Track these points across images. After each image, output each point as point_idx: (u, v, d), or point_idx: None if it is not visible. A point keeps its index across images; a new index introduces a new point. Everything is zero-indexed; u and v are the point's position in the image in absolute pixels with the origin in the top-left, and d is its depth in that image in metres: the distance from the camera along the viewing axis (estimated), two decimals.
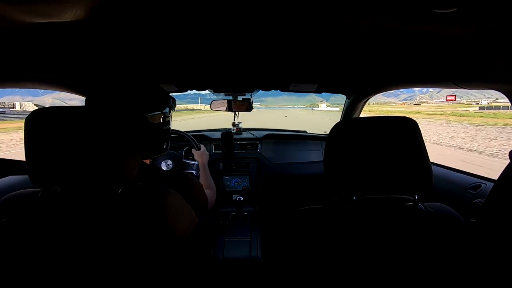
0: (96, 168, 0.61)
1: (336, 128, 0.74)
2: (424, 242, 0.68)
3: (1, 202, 0.66)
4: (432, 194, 1.32)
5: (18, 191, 0.69)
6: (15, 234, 0.59)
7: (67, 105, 0.63)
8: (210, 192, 1.13)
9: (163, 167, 1.73)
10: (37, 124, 0.60)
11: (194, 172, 1.66)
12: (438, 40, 0.77)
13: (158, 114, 0.86)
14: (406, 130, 0.70)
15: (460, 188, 1.28)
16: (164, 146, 0.91)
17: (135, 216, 0.63)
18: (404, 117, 0.72)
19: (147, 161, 0.92)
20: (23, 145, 0.63)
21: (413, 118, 0.72)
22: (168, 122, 0.94)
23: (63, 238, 0.59)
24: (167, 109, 0.91)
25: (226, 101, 2.12)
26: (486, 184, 1.20)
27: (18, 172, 1.01)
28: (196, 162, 1.51)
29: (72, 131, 0.59)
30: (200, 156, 1.47)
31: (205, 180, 1.32)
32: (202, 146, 1.54)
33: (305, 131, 2.49)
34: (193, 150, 1.51)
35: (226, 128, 2.38)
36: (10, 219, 0.61)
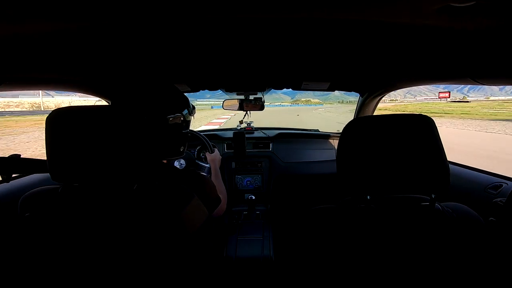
0: (113, 166, 0.63)
1: (349, 126, 0.73)
2: (441, 243, 0.66)
3: (24, 198, 0.69)
4: (450, 194, 1.28)
5: (39, 187, 0.72)
6: (37, 227, 0.63)
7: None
8: (220, 197, 1.10)
9: (176, 165, 1.75)
10: (58, 123, 0.63)
11: (205, 175, 1.67)
12: (455, 35, 0.75)
13: (177, 116, 0.87)
14: (422, 128, 0.68)
15: (479, 188, 1.24)
16: (181, 150, 0.92)
17: (149, 210, 0.65)
18: (420, 115, 0.70)
19: (164, 160, 0.94)
20: None
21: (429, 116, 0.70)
22: (187, 125, 0.95)
23: (81, 231, 0.62)
24: (186, 111, 0.92)
25: (238, 100, 2.14)
26: (507, 184, 1.16)
27: (41, 171, 1.07)
28: (208, 165, 1.51)
29: (91, 130, 0.62)
30: (213, 159, 1.46)
31: (216, 184, 1.32)
32: (216, 150, 1.54)
33: (317, 130, 2.47)
34: (207, 153, 1.52)
35: (238, 128, 2.39)
36: (33, 213, 0.65)
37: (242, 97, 2.13)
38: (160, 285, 0.64)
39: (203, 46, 0.98)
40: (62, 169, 0.63)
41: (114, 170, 0.63)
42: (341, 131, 0.75)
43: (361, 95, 1.88)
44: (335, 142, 2.21)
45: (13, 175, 1.01)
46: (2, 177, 0.97)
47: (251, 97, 2.13)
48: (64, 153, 0.62)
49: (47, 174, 0.65)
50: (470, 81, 0.95)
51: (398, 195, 0.73)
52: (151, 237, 0.63)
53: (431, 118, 0.70)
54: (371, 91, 1.76)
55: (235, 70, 1.39)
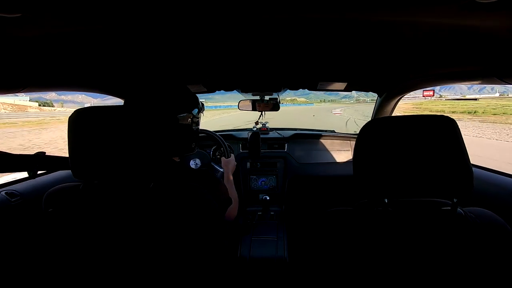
0: (131, 164, 0.65)
1: (366, 127, 0.71)
2: (463, 250, 0.63)
3: (48, 194, 0.73)
4: (473, 199, 1.22)
5: (62, 184, 0.75)
6: (59, 222, 0.66)
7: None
8: (231, 200, 1.09)
9: (192, 165, 1.78)
10: (79, 123, 0.66)
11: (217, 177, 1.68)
12: (480, 32, 0.72)
13: (187, 115, 0.90)
14: (444, 129, 0.66)
15: (505, 193, 1.18)
16: (193, 146, 0.95)
17: (164, 208, 0.67)
18: (442, 116, 0.68)
19: (176, 159, 0.97)
20: None
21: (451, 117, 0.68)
22: (197, 123, 0.98)
23: (100, 227, 0.65)
24: (196, 110, 0.95)
25: (253, 100, 2.14)
26: None
27: (65, 168, 1.12)
28: (222, 170, 1.52)
29: (110, 129, 0.65)
30: (227, 164, 1.46)
31: (228, 188, 1.31)
32: (232, 156, 1.54)
33: (333, 131, 2.43)
34: (222, 158, 1.53)
35: (253, 128, 2.40)
36: (55, 209, 0.68)
37: (257, 97, 2.14)
38: (175, 283, 0.65)
39: (219, 47, 0.99)
40: (82, 166, 0.66)
41: (129, 168, 0.66)
42: (358, 132, 0.74)
43: (379, 96, 1.84)
44: (351, 144, 2.17)
45: (39, 172, 1.06)
46: (28, 174, 1.02)
47: (267, 97, 2.13)
48: (84, 151, 0.65)
49: (70, 171, 0.69)
50: (496, 81, 0.91)
51: (417, 198, 0.71)
52: (167, 235, 0.64)
53: (453, 119, 0.67)
54: (389, 91, 1.71)
55: (251, 70, 1.39)
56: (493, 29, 0.67)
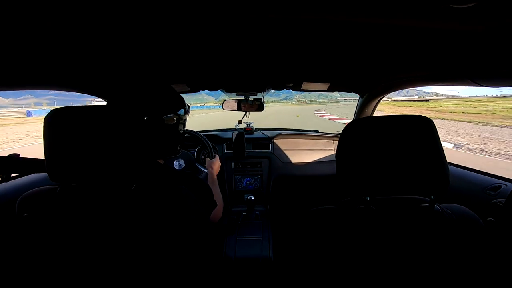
0: (111, 166, 0.63)
1: (349, 127, 0.73)
2: (441, 244, 0.66)
3: (23, 198, 0.69)
4: (449, 195, 1.28)
5: (38, 188, 0.72)
6: (36, 228, 0.62)
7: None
8: (216, 202, 1.05)
9: (175, 166, 1.75)
10: (56, 123, 0.63)
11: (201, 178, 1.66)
12: (455, 36, 0.75)
13: (172, 116, 0.88)
14: (421, 129, 0.68)
15: (479, 189, 1.24)
16: (178, 148, 0.93)
17: (147, 210, 0.65)
18: (420, 116, 0.70)
19: (160, 160, 0.94)
20: None
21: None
22: (183, 125, 0.96)
23: (79, 232, 0.62)
24: (182, 111, 0.93)
25: (237, 100, 2.14)
26: (507, 185, 1.16)
27: (40, 170, 1.06)
28: (206, 171, 1.49)
29: (89, 130, 0.62)
30: (212, 165, 1.44)
31: (212, 190, 1.27)
32: (217, 156, 1.53)
33: (317, 131, 2.47)
34: (207, 158, 1.51)
35: (237, 128, 2.40)
36: (31, 214, 0.65)
37: (242, 97, 2.14)
38: (159, 286, 0.64)
39: (203, 46, 0.98)
40: (60, 169, 0.63)
41: (111, 170, 0.63)
42: (340, 132, 0.75)
43: (361, 96, 1.88)
44: (334, 143, 2.21)
45: (12, 175, 1.01)
46: (1, 177, 0.97)
47: (251, 97, 2.13)
48: (61, 153, 0.62)
49: (46, 174, 0.65)
50: (469, 83, 0.95)
51: (398, 196, 0.73)
52: (150, 237, 0.63)
53: (430, 119, 0.70)
54: (370, 92, 1.76)
55: (235, 70, 1.39)
56: (466, 33, 0.71)
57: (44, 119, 0.63)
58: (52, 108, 0.64)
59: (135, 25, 0.75)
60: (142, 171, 0.68)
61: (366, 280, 0.66)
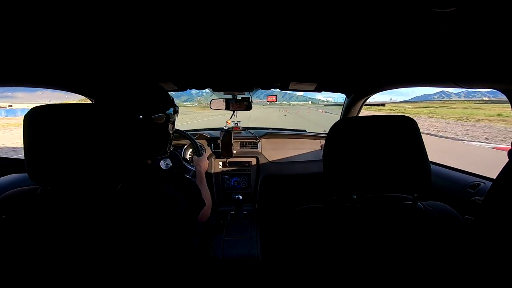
0: (98, 166, 0.61)
1: (335, 127, 0.74)
2: (422, 240, 0.68)
3: (1, 199, 0.66)
4: (431, 193, 1.32)
5: (17, 188, 0.69)
6: (15, 230, 0.59)
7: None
8: (205, 201, 1.03)
9: (162, 165, 1.72)
10: (37, 121, 0.60)
11: (189, 177, 1.64)
12: (438, 39, 0.77)
13: (161, 115, 0.86)
14: (405, 129, 0.70)
15: (459, 187, 1.28)
16: (167, 149, 0.91)
17: (133, 211, 0.63)
18: (404, 116, 0.72)
19: (148, 160, 0.93)
20: None
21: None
22: (173, 124, 0.94)
23: (62, 234, 0.59)
24: (171, 110, 0.91)
25: (225, 100, 2.12)
26: (484, 183, 1.21)
27: (19, 171, 1.02)
28: (193, 168, 1.47)
29: (73, 128, 0.59)
30: (199, 163, 1.43)
31: (201, 189, 1.23)
32: (204, 154, 1.52)
33: (304, 130, 2.49)
34: (194, 156, 1.49)
35: (225, 127, 2.38)
36: (10, 215, 0.61)
37: (229, 96, 2.12)
38: (146, 287, 0.63)
39: (190, 44, 0.97)
40: (41, 169, 0.60)
41: (96, 170, 0.61)
42: (327, 131, 0.76)
43: (347, 96, 1.91)
44: (322, 142, 2.24)
45: None
46: None
47: (239, 96, 2.12)
48: (43, 152, 0.59)
49: (25, 174, 0.62)
50: (452, 84, 0.98)
51: (383, 194, 0.75)
52: (136, 239, 0.61)
53: (413, 120, 0.72)
54: (357, 93, 1.79)
55: (223, 69, 1.38)
56: (448, 35, 0.73)
57: (25, 116, 0.61)
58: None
59: (120, 22, 0.73)
60: (129, 171, 0.66)
61: (353, 278, 0.67)
